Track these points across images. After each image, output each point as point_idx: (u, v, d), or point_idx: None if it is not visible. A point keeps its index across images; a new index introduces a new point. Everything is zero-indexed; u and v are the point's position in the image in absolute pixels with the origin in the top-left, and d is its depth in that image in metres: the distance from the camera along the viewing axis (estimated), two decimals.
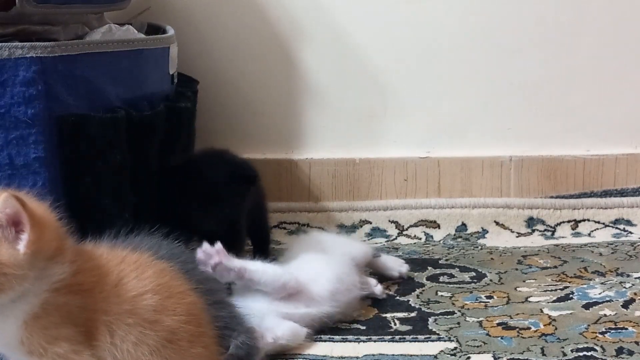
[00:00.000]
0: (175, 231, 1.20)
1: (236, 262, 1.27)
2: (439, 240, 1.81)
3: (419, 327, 1.33)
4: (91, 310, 0.94)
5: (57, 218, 0.97)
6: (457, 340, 1.27)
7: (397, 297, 1.46)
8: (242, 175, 1.51)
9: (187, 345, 0.97)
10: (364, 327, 1.34)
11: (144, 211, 1.43)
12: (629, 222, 1.81)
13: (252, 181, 1.53)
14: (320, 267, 1.37)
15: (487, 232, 1.82)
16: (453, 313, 1.39)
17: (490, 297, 1.46)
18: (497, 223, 1.83)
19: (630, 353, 1.21)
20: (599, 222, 1.82)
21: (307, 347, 1.27)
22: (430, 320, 1.36)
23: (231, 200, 1.50)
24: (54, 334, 0.92)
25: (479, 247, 1.75)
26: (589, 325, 1.31)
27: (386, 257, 1.59)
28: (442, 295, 1.47)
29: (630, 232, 1.80)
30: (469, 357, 1.22)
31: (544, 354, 1.21)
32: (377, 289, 1.46)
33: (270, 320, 1.25)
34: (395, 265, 1.56)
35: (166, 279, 1.00)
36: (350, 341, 1.29)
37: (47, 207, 0.97)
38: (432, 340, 1.28)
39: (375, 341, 1.29)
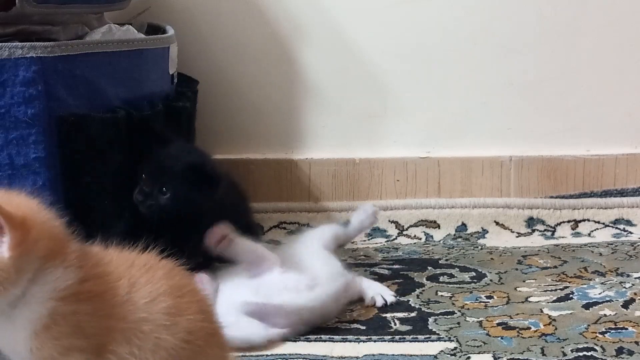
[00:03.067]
0: None
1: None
2: (439, 240, 1.80)
3: (419, 327, 1.33)
4: (104, 319, 0.91)
5: (53, 218, 0.94)
6: (457, 340, 1.27)
7: (397, 297, 1.46)
8: None
9: (204, 344, 0.95)
10: (364, 327, 1.34)
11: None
12: (629, 222, 1.81)
13: None
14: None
15: (487, 232, 1.81)
16: (453, 313, 1.39)
17: (490, 297, 1.46)
18: (497, 223, 1.83)
19: (630, 353, 1.21)
20: (599, 222, 1.82)
21: (307, 347, 1.27)
22: (430, 320, 1.36)
23: None
24: (66, 345, 0.89)
25: (479, 247, 1.75)
26: (589, 325, 1.31)
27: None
28: (442, 295, 1.47)
29: (630, 232, 1.79)
30: (469, 357, 1.22)
31: (544, 354, 1.21)
32: (379, 299, 1.42)
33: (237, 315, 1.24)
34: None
35: (177, 279, 0.97)
36: (350, 341, 1.29)
37: (40, 206, 0.93)
38: (432, 340, 1.28)
39: (375, 341, 1.29)
